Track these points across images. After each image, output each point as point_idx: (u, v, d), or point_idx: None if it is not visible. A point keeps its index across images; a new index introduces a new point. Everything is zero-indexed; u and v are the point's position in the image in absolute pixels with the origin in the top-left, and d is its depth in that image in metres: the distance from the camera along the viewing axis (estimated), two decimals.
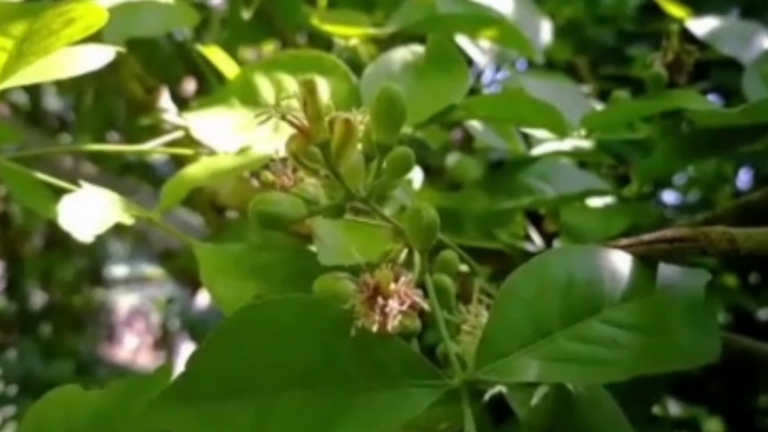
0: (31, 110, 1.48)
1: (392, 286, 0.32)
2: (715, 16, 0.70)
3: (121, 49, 0.42)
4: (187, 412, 0.31)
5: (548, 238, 0.63)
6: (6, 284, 2.00)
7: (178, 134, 0.51)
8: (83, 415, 0.37)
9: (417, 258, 0.36)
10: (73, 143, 1.37)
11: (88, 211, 0.40)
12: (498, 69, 0.90)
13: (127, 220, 0.40)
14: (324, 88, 0.47)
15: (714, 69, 0.90)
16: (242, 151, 0.45)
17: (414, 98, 0.48)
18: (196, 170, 0.46)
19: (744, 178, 1.05)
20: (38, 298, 1.99)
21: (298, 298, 0.33)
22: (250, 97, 0.50)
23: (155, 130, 0.68)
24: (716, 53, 0.67)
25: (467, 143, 0.91)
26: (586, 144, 0.57)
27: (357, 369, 0.32)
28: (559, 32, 0.89)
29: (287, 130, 0.33)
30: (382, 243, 0.37)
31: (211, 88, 0.62)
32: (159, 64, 0.92)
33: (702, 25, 0.67)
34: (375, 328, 0.31)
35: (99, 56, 0.41)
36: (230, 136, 0.47)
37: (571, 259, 0.36)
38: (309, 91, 0.32)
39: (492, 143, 0.61)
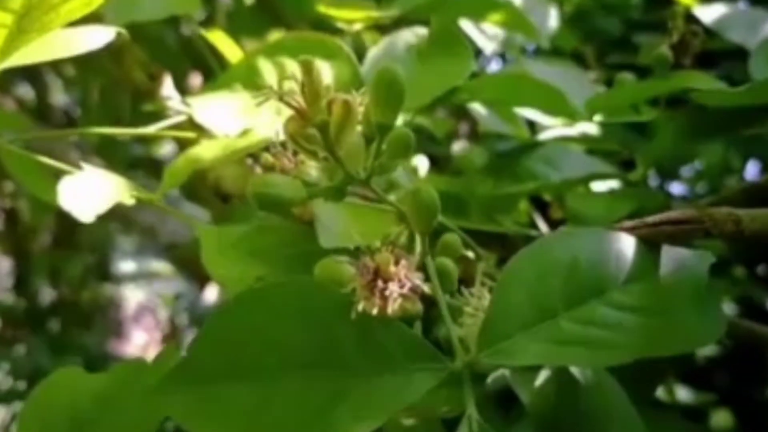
0: (37, 106, 1.48)
1: (392, 269, 0.32)
2: (722, 3, 0.70)
3: (122, 30, 0.42)
4: (188, 396, 0.31)
5: (554, 225, 0.62)
6: (14, 281, 2.00)
7: (181, 118, 0.51)
8: (86, 397, 0.38)
9: (418, 240, 0.35)
10: (80, 140, 1.37)
11: (88, 192, 0.40)
12: (504, 58, 0.90)
13: (128, 200, 0.40)
14: (325, 71, 0.47)
15: (721, 59, 0.89)
16: (244, 133, 0.45)
17: (417, 80, 0.48)
18: (197, 152, 0.46)
19: (752, 170, 1.05)
20: (46, 295, 1.99)
21: (298, 282, 0.33)
22: (253, 82, 0.50)
23: (160, 120, 0.68)
24: (723, 42, 0.66)
25: (473, 132, 0.91)
26: (592, 129, 0.57)
27: (358, 352, 0.32)
28: (566, 21, 0.89)
29: (289, 113, 0.33)
30: (384, 226, 0.37)
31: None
32: (165, 59, 0.92)
33: (709, 13, 0.67)
34: (375, 312, 0.31)
35: (99, 37, 0.41)
36: (233, 120, 0.47)
37: (575, 242, 0.36)
38: (307, 72, 0.32)
39: (496, 128, 0.61)
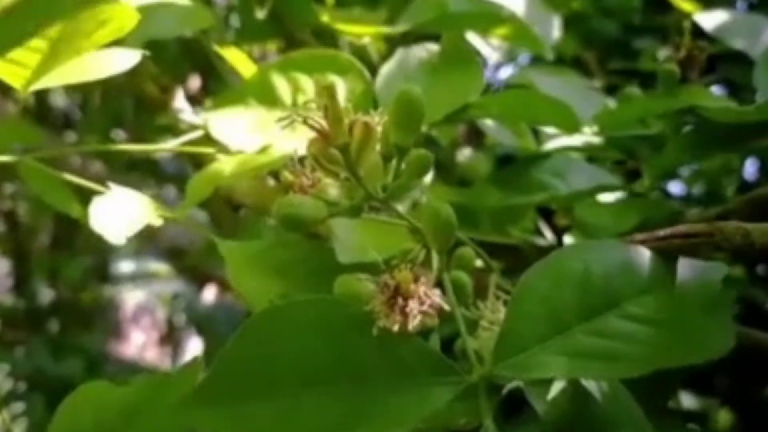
0: (37, 108, 1.48)
1: (412, 286, 0.33)
2: (723, 10, 0.70)
3: (146, 53, 0.43)
4: (212, 412, 0.32)
5: (559, 233, 0.63)
6: (14, 282, 2.00)
7: (198, 134, 0.52)
8: (112, 411, 0.38)
9: (434, 257, 0.36)
10: (79, 141, 1.37)
11: (118, 214, 0.40)
12: (504, 64, 0.91)
13: (156, 221, 0.41)
14: (341, 89, 0.48)
15: (720, 62, 0.89)
16: (264, 149, 0.46)
17: (429, 97, 0.47)
18: (218, 168, 0.47)
19: (750, 169, 1.05)
20: (46, 296, 1.99)
21: (320, 299, 0.34)
22: (266, 97, 0.51)
23: (163, 129, 0.68)
24: (723, 46, 0.67)
25: (475, 138, 0.91)
26: (597, 140, 0.57)
27: (377, 367, 0.33)
28: (566, 26, 0.89)
29: (304, 130, 0.34)
30: (400, 240, 0.38)
31: (218, 85, 0.63)
32: (168, 63, 0.92)
33: (711, 19, 0.67)
34: (396, 328, 0.32)
35: (125, 59, 0.42)
36: (248, 135, 0.48)
37: (588, 254, 0.36)
38: (330, 96, 0.32)
39: (504, 140, 0.61)
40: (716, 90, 1.00)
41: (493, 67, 0.91)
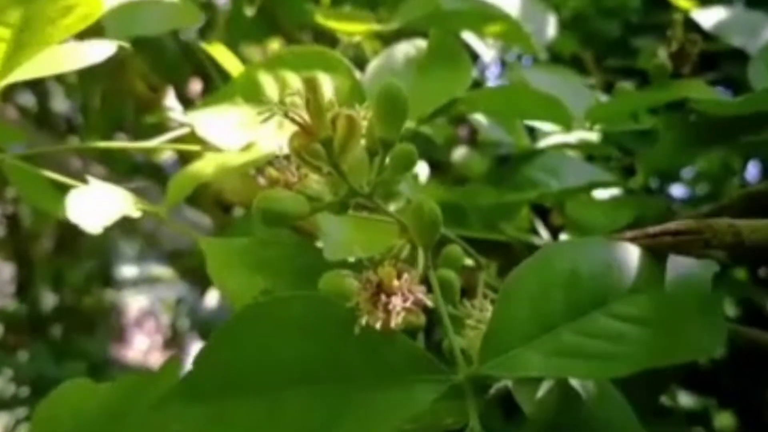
0: (38, 112, 1.48)
1: (395, 283, 0.32)
2: (721, 7, 0.70)
3: (124, 44, 0.43)
4: (193, 409, 0.31)
5: (555, 231, 0.62)
6: (16, 287, 2.00)
7: (184, 131, 0.51)
8: (92, 409, 0.38)
9: (420, 253, 0.36)
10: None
11: (95, 205, 0.40)
12: (503, 64, 0.90)
13: (134, 213, 0.41)
14: (327, 85, 0.47)
15: (722, 60, 0.89)
16: (247, 147, 0.45)
17: (417, 93, 0.48)
18: (201, 166, 0.46)
19: (752, 171, 1.05)
20: (49, 301, 1.99)
21: (303, 296, 0.33)
22: (254, 95, 0.50)
23: (162, 130, 0.68)
24: (724, 44, 0.66)
25: (473, 138, 0.91)
26: (592, 136, 0.57)
27: (362, 365, 0.32)
28: (565, 25, 0.89)
29: (291, 127, 0.33)
30: (387, 237, 0.37)
31: (216, 87, 0.62)
32: (166, 65, 0.92)
33: (708, 16, 0.67)
34: (378, 326, 0.31)
35: (101, 51, 0.41)
36: (234, 133, 0.48)
37: (576, 253, 0.36)
38: (311, 88, 0.32)
39: (497, 137, 0.61)
40: (718, 89, 1.00)
41: (495, 65, 0.91)
